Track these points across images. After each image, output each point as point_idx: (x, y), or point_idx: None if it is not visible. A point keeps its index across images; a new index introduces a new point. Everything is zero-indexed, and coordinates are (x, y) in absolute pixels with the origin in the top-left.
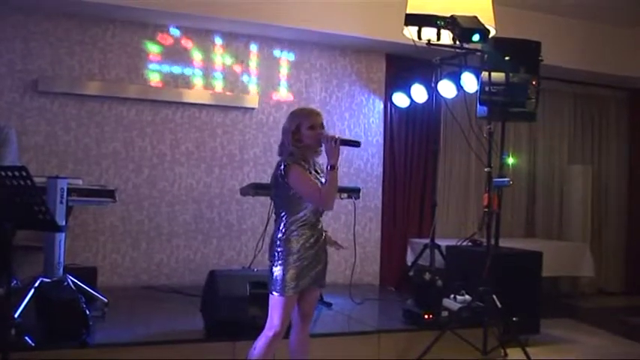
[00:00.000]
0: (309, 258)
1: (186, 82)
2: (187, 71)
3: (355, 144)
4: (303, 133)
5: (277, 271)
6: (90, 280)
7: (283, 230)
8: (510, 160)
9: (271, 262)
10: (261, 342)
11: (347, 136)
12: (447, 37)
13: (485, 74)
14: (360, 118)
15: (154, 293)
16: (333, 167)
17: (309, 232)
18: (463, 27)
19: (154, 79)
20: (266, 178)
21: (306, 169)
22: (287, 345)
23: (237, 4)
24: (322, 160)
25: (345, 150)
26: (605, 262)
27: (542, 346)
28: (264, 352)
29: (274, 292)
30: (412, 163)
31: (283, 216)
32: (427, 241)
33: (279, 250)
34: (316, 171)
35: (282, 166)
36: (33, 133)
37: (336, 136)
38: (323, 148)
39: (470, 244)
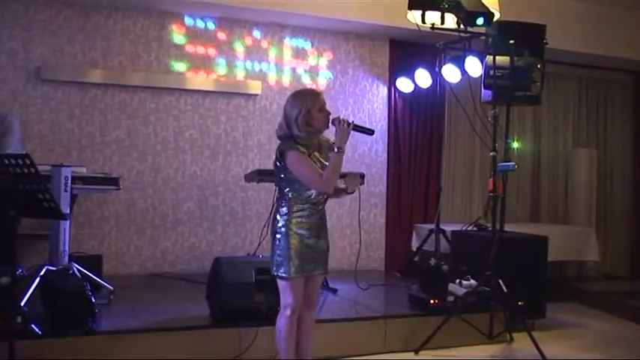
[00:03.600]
0: (311, 237)
1: (189, 69)
2: (191, 58)
3: (369, 132)
4: (315, 116)
5: (280, 252)
6: (95, 268)
7: (286, 210)
8: (515, 145)
9: (273, 243)
10: (281, 321)
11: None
12: (451, 20)
13: (489, 58)
14: (364, 103)
15: (159, 281)
16: (339, 150)
17: (312, 210)
18: (467, 10)
19: (157, 66)
20: (270, 165)
21: (303, 152)
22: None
23: None
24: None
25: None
26: (610, 246)
27: (549, 331)
28: (288, 329)
29: (280, 276)
30: (417, 148)
31: (288, 196)
32: (432, 226)
33: (282, 229)
34: (319, 152)
35: (279, 153)
36: (36, 121)
37: (350, 120)
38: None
39: (475, 228)
